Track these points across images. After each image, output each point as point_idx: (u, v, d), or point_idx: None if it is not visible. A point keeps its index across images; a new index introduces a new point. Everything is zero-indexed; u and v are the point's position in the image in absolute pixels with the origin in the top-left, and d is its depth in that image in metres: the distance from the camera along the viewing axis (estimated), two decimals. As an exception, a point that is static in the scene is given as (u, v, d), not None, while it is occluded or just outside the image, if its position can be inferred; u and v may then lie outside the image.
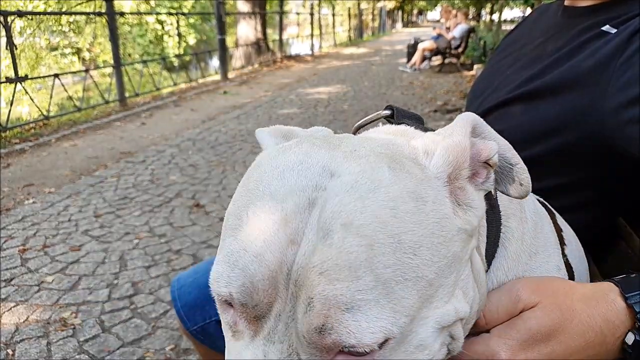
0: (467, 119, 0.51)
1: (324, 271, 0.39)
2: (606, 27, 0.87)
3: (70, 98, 6.13)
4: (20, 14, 5.51)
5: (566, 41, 0.93)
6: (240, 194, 0.48)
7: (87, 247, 2.78)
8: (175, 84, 8.49)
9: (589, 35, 0.88)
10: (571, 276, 0.68)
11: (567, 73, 0.86)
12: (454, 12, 10.66)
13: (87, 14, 9.60)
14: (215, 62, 10.44)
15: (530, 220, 0.64)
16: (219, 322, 1.08)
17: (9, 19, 4.96)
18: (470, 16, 20.74)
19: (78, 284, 2.41)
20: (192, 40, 17.93)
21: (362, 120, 0.75)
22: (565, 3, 1.02)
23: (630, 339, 0.53)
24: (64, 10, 12.24)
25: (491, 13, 16.19)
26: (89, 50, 14.83)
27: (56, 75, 5.76)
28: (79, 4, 12.15)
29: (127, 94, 6.96)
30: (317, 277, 0.39)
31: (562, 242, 0.70)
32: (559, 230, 0.72)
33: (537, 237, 0.64)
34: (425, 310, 0.43)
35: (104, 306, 2.23)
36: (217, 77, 9.68)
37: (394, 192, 0.43)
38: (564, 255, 0.68)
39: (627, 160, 0.77)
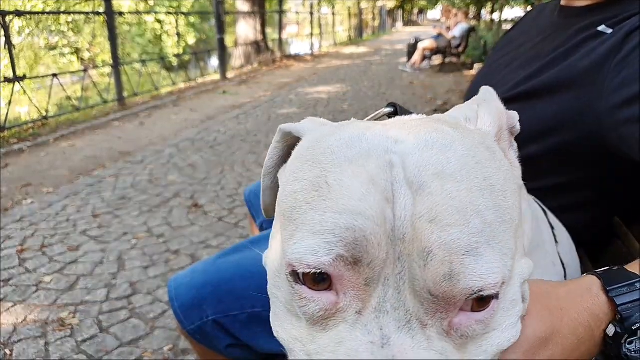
0: (492, 90, 0.54)
1: (433, 218, 0.38)
2: (602, 27, 0.87)
3: (69, 98, 6.12)
4: (18, 13, 5.50)
5: (563, 41, 0.93)
6: (305, 170, 0.45)
7: (85, 248, 2.77)
8: (174, 84, 8.48)
9: (585, 35, 0.88)
10: (564, 273, 0.68)
11: (563, 73, 0.86)
12: (454, 11, 10.65)
13: (86, 13, 9.59)
14: (214, 61, 10.43)
15: (529, 215, 0.64)
16: (216, 321, 1.08)
17: (7, 18, 4.96)
18: (471, 15, 20.72)
19: (76, 284, 2.40)
20: (191, 39, 17.92)
21: (366, 119, 0.75)
22: (562, 3, 1.02)
23: (611, 330, 0.54)
24: (62, 9, 12.23)
25: (492, 12, 16.19)
26: (88, 50, 14.81)
27: (54, 75, 5.75)
28: (78, 3, 12.14)
29: (125, 94, 6.96)
30: (428, 225, 0.38)
31: (554, 240, 0.70)
32: (551, 228, 0.72)
33: (536, 232, 0.65)
34: (513, 261, 0.43)
35: (102, 306, 2.22)
36: (217, 76, 9.67)
37: (468, 144, 0.43)
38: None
39: (625, 160, 0.77)
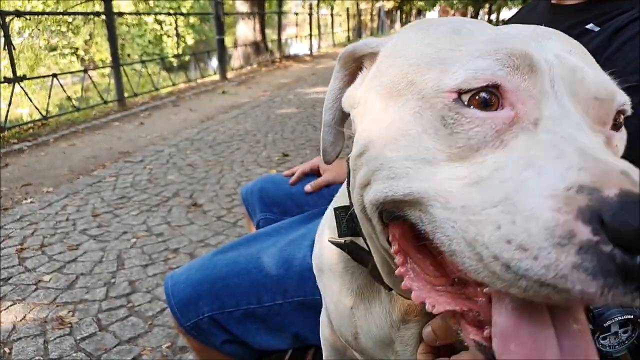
0: None
1: (575, 55, 0.47)
2: (590, 25, 0.89)
3: (69, 98, 6.14)
4: (18, 14, 5.51)
5: None
6: (425, 35, 0.49)
7: (84, 246, 2.79)
8: (173, 84, 8.49)
9: (573, 33, 0.89)
10: None
11: None
12: (451, 12, 10.68)
13: (85, 14, 9.60)
14: (214, 62, 10.44)
15: None
16: (211, 318, 1.09)
17: (7, 19, 4.97)
18: (469, 16, 20.68)
19: (75, 282, 2.42)
20: (190, 40, 17.93)
21: None
22: (552, 1, 1.04)
23: None
24: (61, 10, 12.25)
25: (489, 13, 16.21)
26: (85, 51, 14.82)
27: (54, 76, 5.76)
28: (78, 4, 12.15)
29: (125, 94, 6.97)
30: (572, 57, 0.46)
31: None
32: None
33: None
34: None
35: (101, 305, 2.24)
36: (216, 77, 9.69)
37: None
38: None
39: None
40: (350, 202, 0.61)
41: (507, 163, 0.38)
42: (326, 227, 0.79)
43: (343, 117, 0.64)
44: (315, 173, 1.58)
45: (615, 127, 0.46)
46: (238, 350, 1.14)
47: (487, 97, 0.41)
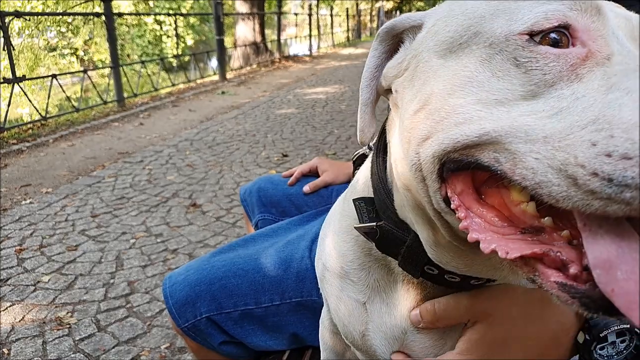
0: None
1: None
2: None
3: (68, 99, 6.14)
4: (17, 14, 5.51)
5: None
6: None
7: (83, 247, 2.79)
8: (173, 85, 8.50)
9: None
10: None
11: None
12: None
13: (85, 14, 9.60)
14: (214, 62, 10.45)
15: None
16: (209, 319, 1.09)
17: (7, 19, 4.97)
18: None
19: (74, 283, 2.42)
20: (190, 40, 17.94)
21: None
22: None
23: (580, 338, 0.57)
24: (61, 10, 12.24)
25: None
26: (84, 52, 14.83)
27: (54, 76, 5.77)
28: (78, 4, 12.16)
29: (125, 95, 6.97)
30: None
31: None
32: None
33: None
34: None
35: (99, 305, 2.24)
36: (216, 77, 9.69)
37: None
38: None
39: None
40: (381, 192, 0.61)
41: (588, 91, 0.40)
42: (335, 225, 0.78)
43: (377, 98, 0.64)
44: (314, 174, 1.58)
45: None
46: (236, 350, 1.14)
47: (558, 38, 0.43)
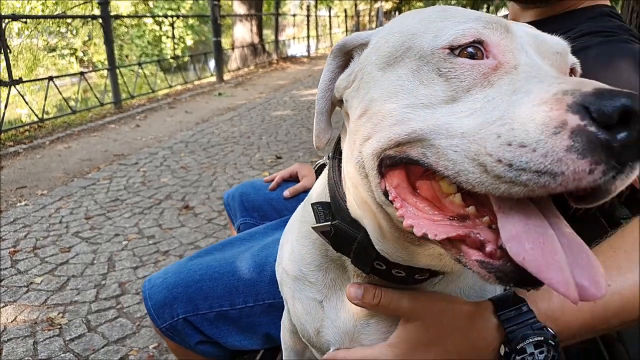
0: None
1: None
2: None
3: (65, 100, 6.18)
4: (14, 17, 5.56)
5: None
6: (414, 14, 0.59)
7: (76, 249, 2.83)
8: (170, 86, 8.54)
9: None
10: None
11: None
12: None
13: (83, 17, 9.64)
14: (212, 63, 10.49)
15: None
16: (186, 320, 1.14)
17: (4, 22, 5.01)
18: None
19: (66, 284, 2.47)
20: (189, 41, 17.98)
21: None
22: (509, 18, 1.08)
23: (502, 350, 0.62)
24: (60, 11, 12.30)
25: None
26: (83, 52, 14.87)
27: (50, 78, 5.81)
28: (76, 5, 12.20)
29: (122, 96, 7.02)
30: (530, 29, 0.57)
31: None
32: None
33: None
34: None
35: (90, 306, 2.28)
36: (213, 78, 9.74)
37: None
38: None
39: None
40: (335, 194, 0.68)
41: (497, 94, 0.47)
42: (294, 232, 0.83)
43: (332, 108, 0.72)
44: (294, 179, 1.63)
45: None
46: (212, 350, 1.19)
47: (474, 52, 0.50)
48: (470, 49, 0.50)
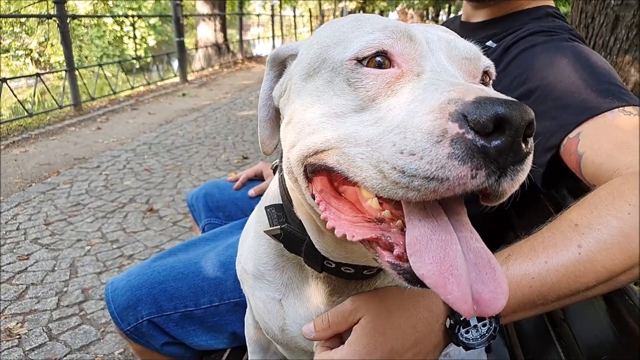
0: None
1: (446, 32, 0.61)
2: (489, 42, 0.98)
3: (20, 103, 5.94)
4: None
5: None
6: (333, 25, 0.61)
7: (35, 256, 2.74)
8: (132, 87, 8.34)
9: None
10: None
11: None
12: (410, 13, 10.90)
13: (38, 16, 9.28)
14: (176, 63, 10.31)
15: None
16: (151, 321, 1.13)
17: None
18: (430, 17, 21.15)
19: (25, 293, 2.38)
20: (152, 41, 17.60)
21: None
22: (462, 19, 1.13)
23: (447, 322, 0.65)
24: (13, 10, 11.78)
25: (448, 14, 16.60)
26: (39, 53, 14.33)
27: (3, 80, 5.57)
28: (30, 4, 11.73)
29: (82, 98, 6.81)
30: (443, 33, 0.59)
31: None
32: None
33: None
34: None
35: (52, 314, 2.22)
36: (176, 79, 9.57)
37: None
38: None
39: None
40: (284, 197, 0.70)
41: (398, 103, 0.49)
42: (251, 231, 0.85)
43: (277, 114, 0.74)
44: (259, 178, 1.63)
45: (484, 84, 0.60)
46: (178, 351, 1.18)
47: (381, 61, 0.52)
48: (378, 59, 0.53)
